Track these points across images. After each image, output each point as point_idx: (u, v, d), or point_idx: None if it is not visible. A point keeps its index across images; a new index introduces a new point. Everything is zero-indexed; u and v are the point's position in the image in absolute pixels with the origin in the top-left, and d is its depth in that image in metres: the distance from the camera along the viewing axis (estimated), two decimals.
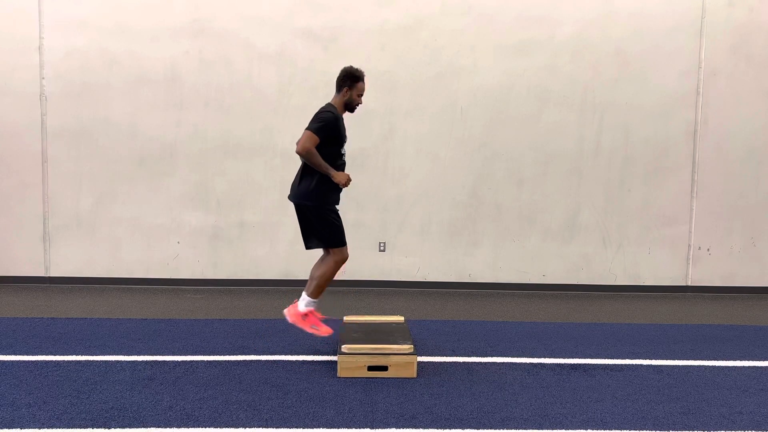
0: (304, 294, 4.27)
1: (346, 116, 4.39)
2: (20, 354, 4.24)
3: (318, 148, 4.07)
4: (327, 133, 4.09)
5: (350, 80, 4.22)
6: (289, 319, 4.29)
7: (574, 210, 6.59)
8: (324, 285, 4.24)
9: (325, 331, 4.25)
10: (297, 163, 4.35)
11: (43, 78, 6.36)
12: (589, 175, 6.56)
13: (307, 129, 4.08)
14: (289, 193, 4.34)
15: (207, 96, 6.40)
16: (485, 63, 6.44)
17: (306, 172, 4.20)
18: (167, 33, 6.34)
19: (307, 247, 4.34)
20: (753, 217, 6.63)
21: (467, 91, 6.46)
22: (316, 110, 4.22)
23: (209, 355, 4.30)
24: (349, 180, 4.15)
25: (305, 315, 4.24)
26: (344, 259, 4.26)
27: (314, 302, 4.26)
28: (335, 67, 6.28)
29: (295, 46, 6.38)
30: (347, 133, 4.36)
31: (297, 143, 4.09)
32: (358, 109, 4.41)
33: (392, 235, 6.57)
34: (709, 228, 6.63)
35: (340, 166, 4.26)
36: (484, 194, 6.56)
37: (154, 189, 6.47)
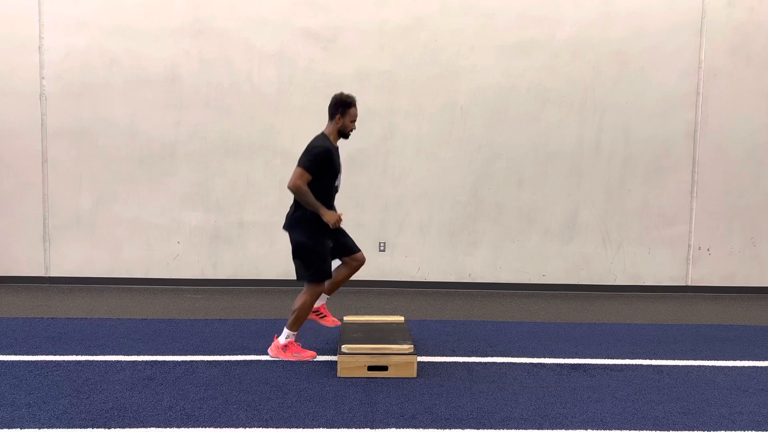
0: (285, 328, 4.25)
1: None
2: (20, 354, 4.24)
3: (312, 181, 4.04)
4: (319, 167, 4.05)
5: (342, 107, 4.16)
6: (271, 354, 4.26)
7: (574, 210, 6.59)
8: (303, 317, 4.19)
9: (308, 354, 4.25)
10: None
11: (43, 78, 6.36)
12: (589, 175, 6.56)
13: (298, 165, 4.04)
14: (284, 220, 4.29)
15: (207, 96, 6.41)
16: (485, 63, 6.44)
17: (297, 202, 4.17)
18: (167, 33, 6.35)
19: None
20: (753, 217, 6.63)
21: (467, 91, 6.46)
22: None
23: (209, 355, 4.29)
24: (339, 221, 4.08)
25: (285, 346, 4.24)
26: (320, 292, 4.21)
27: (293, 334, 4.24)
28: (335, 67, 6.38)
29: (295, 46, 6.38)
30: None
31: (289, 179, 4.05)
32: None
33: (392, 235, 6.57)
34: (709, 228, 6.63)
35: (333, 196, 4.23)
36: (484, 194, 6.56)
37: (154, 189, 6.47)
